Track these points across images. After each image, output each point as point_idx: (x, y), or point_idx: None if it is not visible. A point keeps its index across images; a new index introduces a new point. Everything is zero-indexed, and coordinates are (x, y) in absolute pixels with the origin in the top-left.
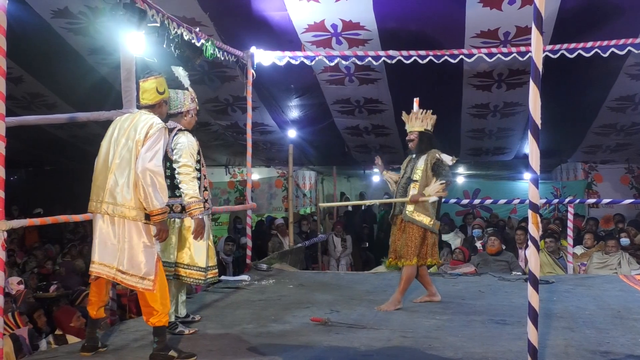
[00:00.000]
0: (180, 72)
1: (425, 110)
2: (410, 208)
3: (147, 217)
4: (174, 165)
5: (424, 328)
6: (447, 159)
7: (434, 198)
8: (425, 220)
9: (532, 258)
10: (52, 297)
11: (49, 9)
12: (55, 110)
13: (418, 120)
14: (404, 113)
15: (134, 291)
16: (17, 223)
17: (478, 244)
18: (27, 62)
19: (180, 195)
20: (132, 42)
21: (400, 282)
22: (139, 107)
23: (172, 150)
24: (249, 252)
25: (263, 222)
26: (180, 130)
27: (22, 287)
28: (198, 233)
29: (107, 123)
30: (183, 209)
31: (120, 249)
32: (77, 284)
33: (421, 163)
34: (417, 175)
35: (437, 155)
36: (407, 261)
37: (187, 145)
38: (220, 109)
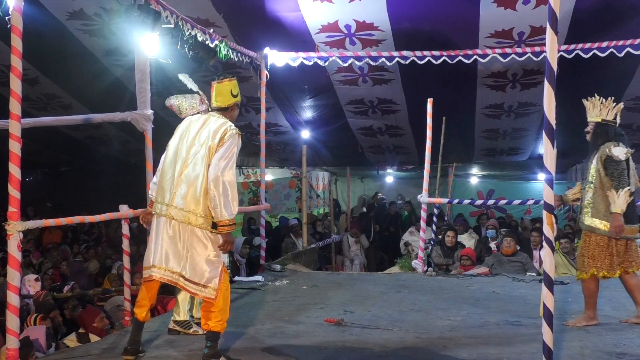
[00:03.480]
0: (186, 79)
1: (606, 98)
2: (585, 215)
3: (215, 225)
4: None
5: (438, 329)
6: (620, 153)
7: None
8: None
9: (547, 259)
10: (67, 297)
11: (65, 10)
12: (70, 111)
13: (596, 109)
14: (584, 100)
15: (163, 291)
16: (32, 224)
17: (492, 245)
18: (43, 63)
19: None
20: (147, 44)
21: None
22: (212, 109)
23: None
24: (262, 253)
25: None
26: None
27: (39, 284)
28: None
29: (122, 124)
30: None
31: (184, 256)
32: (86, 285)
33: (595, 161)
34: (591, 175)
35: (606, 150)
36: (583, 274)
37: None
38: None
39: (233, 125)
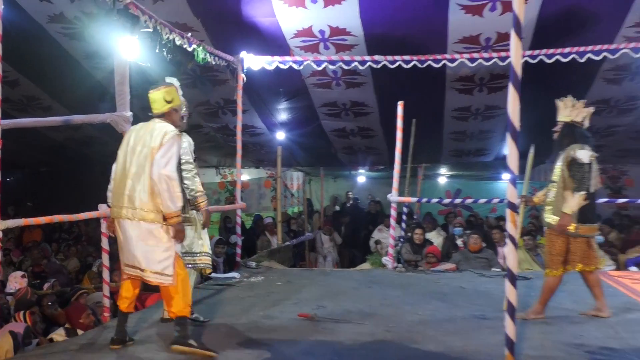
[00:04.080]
0: (174, 83)
1: (578, 100)
2: (547, 212)
3: (165, 218)
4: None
5: (406, 323)
6: (585, 156)
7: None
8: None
9: (511, 255)
10: (46, 294)
11: (45, 14)
12: (50, 113)
13: (566, 110)
14: (557, 100)
15: (145, 288)
16: (12, 223)
17: (459, 242)
18: (24, 65)
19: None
20: (126, 47)
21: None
22: (152, 116)
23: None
24: (238, 251)
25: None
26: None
27: (25, 280)
28: (207, 223)
29: (101, 126)
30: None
31: (141, 250)
32: (66, 283)
33: (559, 161)
34: (555, 174)
35: (572, 153)
36: (553, 271)
37: (187, 146)
38: (211, 112)
39: (172, 127)
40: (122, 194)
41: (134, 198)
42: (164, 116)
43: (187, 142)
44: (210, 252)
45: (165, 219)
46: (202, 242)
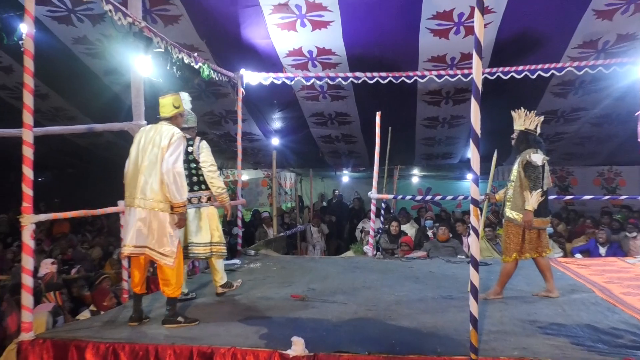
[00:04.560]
0: (185, 98)
1: (530, 111)
2: (507, 207)
3: (172, 208)
4: (204, 165)
5: (384, 303)
6: (538, 159)
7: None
8: (519, 217)
9: (473, 244)
10: (73, 279)
11: (71, 36)
12: (75, 121)
13: (520, 120)
14: (512, 111)
15: (153, 272)
16: (43, 217)
17: (429, 233)
18: (52, 81)
19: (206, 189)
20: (141, 65)
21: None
22: (159, 119)
23: (199, 154)
24: (239, 241)
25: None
26: (201, 139)
27: (55, 266)
28: (230, 214)
29: (120, 132)
30: (206, 199)
31: (150, 233)
32: (90, 268)
33: (516, 164)
34: (513, 175)
35: (527, 156)
36: (507, 257)
37: (210, 150)
38: (215, 121)
39: (178, 130)
40: (135, 186)
41: (146, 190)
42: (170, 119)
43: (209, 147)
44: (224, 241)
45: (172, 208)
46: (219, 234)
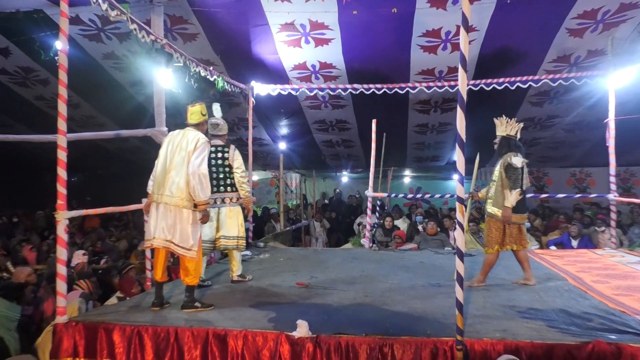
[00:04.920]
0: (218, 108)
1: (510, 119)
2: (488, 204)
3: (195, 206)
4: (237, 171)
5: (379, 290)
6: (518, 162)
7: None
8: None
9: (459, 237)
10: (103, 268)
11: (100, 52)
12: (104, 128)
13: (502, 127)
14: (494, 119)
15: (174, 262)
16: (75, 213)
17: (420, 227)
18: (83, 92)
19: (235, 191)
20: (162, 77)
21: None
22: (186, 125)
23: (233, 161)
24: (250, 234)
25: (256, 213)
26: (235, 147)
27: (86, 257)
28: (251, 214)
29: (144, 137)
30: (235, 199)
31: (174, 228)
32: (117, 259)
33: (498, 165)
34: (495, 175)
35: (508, 159)
36: (489, 249)
37: (241, 158)
38: (228, 127)
39: (203, 135)
40: (163, 185)
41: (173, 189)
42: (197, 126)
43: (240, 155)
44: (243, 235)
45: (195, 206)
46: (243, 229)
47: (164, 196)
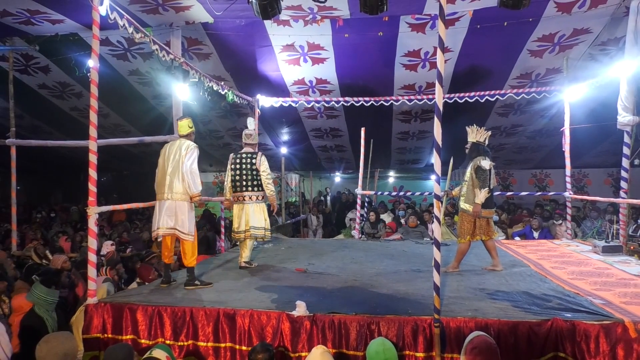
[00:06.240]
0: (251, 121)
1: (480, 127)
2: (461, 201)
3: (190, 198)
4: (263, 173)
5: (368, 275)
6: (486, 164)
7: (482, 199)
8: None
9: (436, 230)
10: (128, 256)
11: (127, 69)
12: (130, 134)
13: (473, 134)
14: (467, 127)
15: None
16: (104, 208)
17: (402, 221)
18: (112, 103)
19: (261, 190)
20: (180, 91)
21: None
22: (179, 136)
23: (260, 165)
24: None
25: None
26: (262, 154)
27: (113, 247)
28: (276, 210)
29: (164, 143)
30: (262, 197)
31: (176, 217)
32: (141, 248)
33: (469, 167)
34: (467, 176)
35: (478, 162)
36: (462, 239)
37: (267, 162)
38: (237, 134)
39: (192, 142)
40: (163, 184)
41: (172, 186)
42: (186, 136)
43: (266, 160)
44: (268, 227)
45: (191, 198)
46: (268, 222)
47: (165, 194)
